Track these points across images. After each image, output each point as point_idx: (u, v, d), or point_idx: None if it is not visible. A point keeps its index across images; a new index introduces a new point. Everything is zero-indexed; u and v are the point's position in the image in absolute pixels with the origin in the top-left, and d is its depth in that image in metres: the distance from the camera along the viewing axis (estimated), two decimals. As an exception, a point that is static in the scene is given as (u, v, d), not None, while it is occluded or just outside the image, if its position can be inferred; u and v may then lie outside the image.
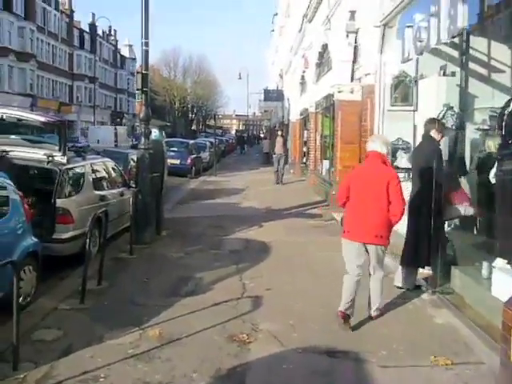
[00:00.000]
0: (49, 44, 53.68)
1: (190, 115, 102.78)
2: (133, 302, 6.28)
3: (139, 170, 9.67)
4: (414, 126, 9.17)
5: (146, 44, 9.63)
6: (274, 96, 36.70)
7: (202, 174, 26.29)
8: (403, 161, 9.03)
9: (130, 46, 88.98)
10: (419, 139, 8.91)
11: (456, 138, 7.52)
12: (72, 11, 60.06)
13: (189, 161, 24.59)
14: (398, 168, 9.06)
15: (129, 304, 6.20)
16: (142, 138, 9.70)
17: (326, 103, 15.86)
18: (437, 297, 6.33)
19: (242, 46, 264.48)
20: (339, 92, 12.46)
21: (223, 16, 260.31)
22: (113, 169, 10.75)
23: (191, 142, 27.43)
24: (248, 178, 24.11)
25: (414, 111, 9.20)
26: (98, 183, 9.36)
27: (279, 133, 23.46)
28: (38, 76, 49.79)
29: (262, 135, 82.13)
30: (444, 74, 7.38)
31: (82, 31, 63.69)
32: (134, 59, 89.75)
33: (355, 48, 12.06)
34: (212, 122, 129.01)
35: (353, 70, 12.43)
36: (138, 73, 9.51)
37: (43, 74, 51.29)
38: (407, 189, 8.83)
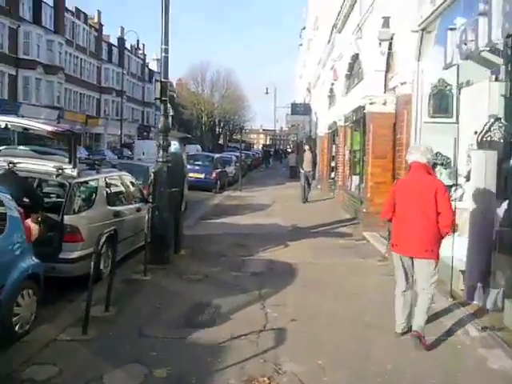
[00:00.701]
0: (77, 57, 54.00)
1: (217, 129, 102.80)
2: (141, 332, 5.60)
3: (156, 184, 9.05)
4: (455, 140, 8.37)
5: (166, 51, 9.05)
6: (301, 110, 36.08)
7: (227, 189, 25.69)
8: (442, 177, 8.22)
9: (159, 59, 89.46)
10: (462, 154, 8.15)
11: (506, 152, 6.71)
12: (101, 25, 60.49)
13: (213, 175, 24.01)
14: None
15: (136, 335, 5.52)
16: (160, 151, 9.09)
17: (356, 116, 15.12)
18: (487, 334, 5.53)
19: (270, 61, 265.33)
20: (371, 104, 11.73)
21: (252, 30, 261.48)
22: (130, 183, 10.18)
23: (216, 155, 26.90)
24: (274, 193, 23.40)
25: (454, 123, 8.41)
26: (112, 198, 8.77)
27: (307, 147, 21.65)
28: (65, 89, 50.01)
29: (289, 150, 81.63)
30: (496, 80, 6.57)
31: (110, 45, 64.13)
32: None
33: (388, 57, 11.34)
34: (239, 137, 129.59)
35: (385, 80, 11.70)
36: (156, 81, 8.92)
37: (71, 86, 51.53)
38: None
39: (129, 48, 71.37)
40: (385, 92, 11.69)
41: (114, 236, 6.82)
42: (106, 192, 8.56)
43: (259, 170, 49.00)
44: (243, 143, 55.82)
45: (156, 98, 9.01)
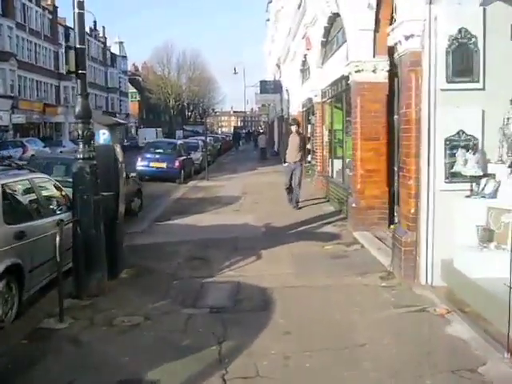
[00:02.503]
0: (30, 42, 50.48)
1: (187, 113, 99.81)
2: None
3: (76, 190, 6.59)
4: (483, 113, 6.10)
5: (81, 5, 6.54)
6: (271, 88, 33.47)
7: (193, 178, 23.27)
8: (469, 165, 5.96)
9: (121, 43, 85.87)
10: (492, 132, 5.89)
11: None
12: (55, 7, 56.89)
13: (177, 164, 21.54)
14: (461, 176, 6.03)
15: None
16: (80, 144, 6.62)
17: (336, 89, 12.77)
18: None
19: (239, 42, 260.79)
20: (357, 72, 9.38)
21: (217, 10, 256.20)
22: (54, 188, 7.74)
23: (179, 142, 24.35)
24: (244, 181, 21.02)
25: (481, 89, 6.13)
26: (14, 213, 6.30)
27: (293, 128, 13.62)
28: (19, 76, 46.63)
29: (261, 131, 79.26)
30: None
31: (67, 28, 60.42)
32: (125, 57, 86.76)
33: (378, 10, 8.98)
34: (210, 120, 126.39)
35: (375, 41, 9.35)
36: (69, 48, 6.41)
37: (25, 73, 48.11)
38: (478, 206, 5.81)
39: (88, 31, 67.67)
40: (374, 57, 9.35)
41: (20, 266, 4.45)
42: (5, 205, 6.10)
43: (229, 154, 46.54)
44: (201, 125, 53.08)
45: (69, 72, 6.49)
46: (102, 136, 7.23)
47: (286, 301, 6.17)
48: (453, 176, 6.11)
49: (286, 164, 13.39)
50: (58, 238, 5.67)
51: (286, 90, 28.51)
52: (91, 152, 6.62)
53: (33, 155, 32.11)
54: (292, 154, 13.20)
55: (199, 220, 11.94)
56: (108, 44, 79.70)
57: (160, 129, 66.25)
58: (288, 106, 28.17)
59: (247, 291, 6.62)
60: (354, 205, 9.66)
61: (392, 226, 9.49)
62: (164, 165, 21.48)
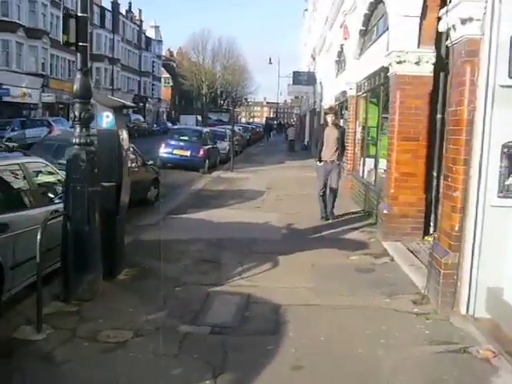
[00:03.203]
0: (65, 21, 50.13)
1: (219, 101, 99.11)
2: None
3: (69, 180, 5.78)
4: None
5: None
6: (304, 79, 32.39)
7: (219, 168, 22.47)
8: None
9: (157, 27, 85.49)
10: None
11: None
12: (92, -14, 56.47)
13: (201, 152, 20.76)
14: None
15: None
16: (77, 127, 5.81)
17: (373, 82, 11.74)
18: None
19: (275, 31, 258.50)
20: (399, 63, 8.37)
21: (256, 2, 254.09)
22: (47, 174, 6.97)
23: (205, 129, 23.51)
24: (271, 174, 20.12)
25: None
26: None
27: (330, 118, 10.90)
28: (51, 55, 46.35)
29: (293, 123, 78.13)
30: None
31: (102, 9, 60.24)
32: (161, 41, 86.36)
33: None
34: (241, 109, 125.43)
35: (420, 30, 8.33)
36: (69, 16, 5.58)
37: (57, 52, 47.76)
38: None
39: (123, 13, 67.38)
40: (418, 47, 8.33)
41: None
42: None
43: (259, 145, 45.62)
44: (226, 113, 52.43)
45: (67, 43, 5.66)
46: (106, 119, 6.41)
47: (301, 323, 5.27)
48: (508, 190, 5.12)
49: (321, 163, 10.76)
50: (38, 236, 4.88)
51: (320, 83, 27.44)
52: (89, 137, 5.81)
53: (58, 135, 31.85)
54: (328, 151, 10.66)
55: (216, 215, 11.09)
56: (144, 27, 79.37)
57: (200, 116, 65.55)
58: (321, 99, 27.11)
59: (257, 307, 5.74)
60: (385, 211, 8.69)
61: (427, 238, 8.53)
62: (188, 153, 20.73)
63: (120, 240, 6.83)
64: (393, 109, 8.66)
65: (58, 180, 7.10)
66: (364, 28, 12.73)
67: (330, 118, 10.86)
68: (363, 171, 12.80)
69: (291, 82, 37.30)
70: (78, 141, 5.74)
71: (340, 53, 18.05)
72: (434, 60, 8.26)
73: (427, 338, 4.90)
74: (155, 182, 13.15)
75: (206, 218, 10.77)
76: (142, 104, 73.63)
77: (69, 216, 5.70)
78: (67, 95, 49.01)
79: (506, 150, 5.12)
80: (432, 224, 8.72)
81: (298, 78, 33.33)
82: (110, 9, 62.50)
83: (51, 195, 6.84)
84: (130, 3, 68.89)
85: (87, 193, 5.76)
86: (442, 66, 8.35)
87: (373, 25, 12.19)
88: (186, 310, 5.59)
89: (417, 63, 8.26)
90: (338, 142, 10.67)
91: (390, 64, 8.62)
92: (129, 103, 7.85)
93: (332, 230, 9.77)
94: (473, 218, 5.24)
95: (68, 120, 41.18)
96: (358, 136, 13.95)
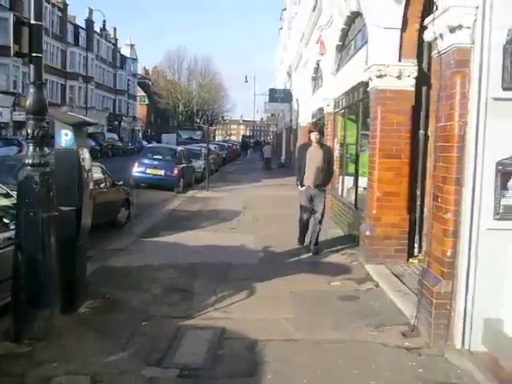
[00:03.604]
0: (38, 39, 49.31)
1: (196, 119, 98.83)
2: None
3: (19, 205, 5.20)
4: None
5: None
6: (280, 96, 32.10)
7: (194, 186, 21.92)
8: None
9: (132, 45, 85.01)
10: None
11: None
12: (66, 5, 55.99)
13: (175, 171, 20.19)
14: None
15: None
16: (30, 146, 5.24)
17: (351, 98, 11.36)
18: None
19: (250, 50, 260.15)
20: (379, 77, 7.97)
21: (230, 18, 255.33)
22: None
23: (179, 148, 22.95)
24: (247, 193, 19.61)
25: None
26: None
27: (313, 137, 9.36)
28: (23, 73, 45.40)
29: (269, 141, 77.92)
30: None
31: (76, 27, 59.59)
32: (136, 59, 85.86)
33: (407, 4, 7.60)
34: (219, 127, 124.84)
35: (401, 42, 7.95)
36: (21, 23, 5.04)
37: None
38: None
39: (98, 31, 66.80)
40: (400, 60, 7.95)
41: None
42: None
43: (235, 163, 45.17)
44: (199, 130, 50.35)
45: (19, 54, 5.12)
46: (64, 138, 5.85)
47: (281, 363, 4.72)
48: (505, 211, 4.68)
49: (304, 188, 9.27)
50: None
51: (296, 100, 27.17)
52: (44, 157, 5.24)
53: (21, 155, 30.91)
54: (312, 174, 9.14)
55: (190, 238, 10.52)
56: (119, 46, 78.84)
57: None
58: (297, 117, 26.81)
59: (232, 344, 5.18)
60: (367, 233, 8.22)
61: (411, 260, 8.09)
62: (162, 172, 20.15)
63: (81, 269, 6.23)
64: (374, 125, 8.24)
65: (14, 204, 6.49)
66: (341, 43, 12.38)
67: (313, 136, 9.25)
68: (342, 189, 12.37)
69: (267, 100, 37.02)
70: (30, 161, 5.17)
71: (316, 69, 17.74)
72: (415, 74, 7.89)
73: (422, 379, 4.39)
74: (126, 203, 12.55)
75: (178, 242, 10.19)
76: (116, 122, 72.83)
77: (20, 244, 5.10)
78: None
79: (501, 167, 4.69)
80: (416, 245, 8.30)
81: (274, 95, 33.06)
82: (84, 27, 61.86)
83: (6, 220, 6.23)
84: (105, 21, 68.35)
85: (41, 219, 5.18)
86: (424, 79, 7.99)
87: (350, 39, 11.84)
88: (152, 349, 5.01)
89: (398, 77, 7.88)
90: (324, 164, 9.15)
91: (369, 78, 8.22)
92: (90, 120, 7.26)
93: (309, 253, 9.26)
94: (467, 242, 4.78)
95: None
96: (336, 153, 13.52)
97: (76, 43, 58.58)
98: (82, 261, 6.23)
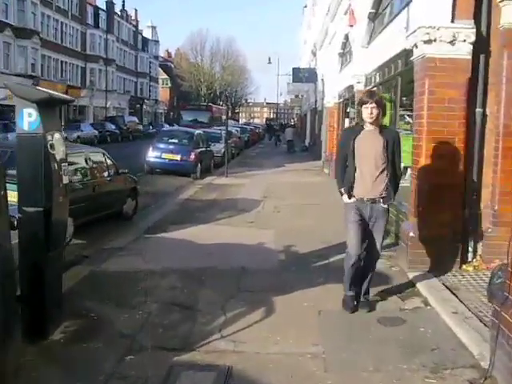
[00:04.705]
0: (57, 21, 48.32)
1: (219, 102, 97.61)
2: None
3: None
4: None
5: None
6: (305, 76, 30.36)
7: (213, 172, 20.60)
8: None
9: (154, 27, 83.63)
10: None
11: None
12: (85, -15, 54.69)
13: (192, 156, 18.87)
14: None
15: None
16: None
17: (387, 73, 9.84)
18: None
19: (274, 32, 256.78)
20: (427, 42, 6.47)
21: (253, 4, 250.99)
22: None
23: (198, 131, 21.59)
24: (268, 180, 18.23)
25: None
26: None
27: (366, 114, 5.19)
28: (42, 55, 44.52)
29: (292, 123, 76.06)
30: None
31: (96, 8, 58.37)
32: (158, 42, 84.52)
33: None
34: (241, 109, 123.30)
35: (454, 1, 6.42)
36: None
37: (49, 53, 46.05)
38: None
39: (118, 13, 65.53)
40: (453, 21, 6.43)
41: None
42: None
43: (258, 147, 43.78)
44: (205, 111, 45.00)
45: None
46: (27, 119, 4.51)
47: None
48: None
49: (352, 200, 5.42)
50: None
51: (321, 80, 25.55)
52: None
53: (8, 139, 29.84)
54: (368, 177, 5.29)
55: (201, 234, 9.21)
56: (140, 28, 77.54)
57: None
58: (322, 97, 25.22)
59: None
60: (411, 233, 6.77)
61: (465, 267, 6.65)
62: (178, 157, 18.84)
63: (54, 285, 4.93)
64: (419, 102, 6.75)
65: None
66: (374, 10, 10.86)
67: (367, 113, 5.19)
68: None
69: (291, 81, 35.38)
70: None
71: (344, 44, 16.17)
72: (473, 38, 6.37)
73: None
74: (133, 193, 11.26)
75: (188, 238, 8.87)
76: (138, 106, 71.76)
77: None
78: (58, 97, 47.12)
79: None
80: (471, 249, 6.82)
81: (298, 75, 31.33)
82: (104, 8, 60.64)
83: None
84: (124, 2, 66.96)
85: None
86: (482, 45, 6.48)
87: (385, 5, 10.30)
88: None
89: (451, 42, 6.37)
90: (386, 159, 5.27)
91: (414, 45, 6.72)
92: (61, 95, 5.87)
93: (343, 255, 7.83)
94: None
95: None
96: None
97: (96, 25, 57.36)
98: (54, 275, 4.92)
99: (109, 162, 10.42)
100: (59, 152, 4.82)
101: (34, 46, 42.51)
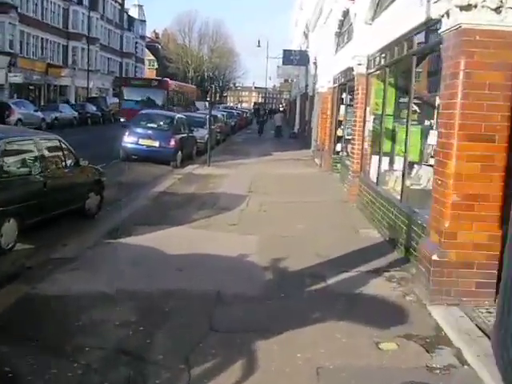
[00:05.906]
0: (36, -5, 46.01)
1: (206, 85, 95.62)
2: None
3: None
4: None
5: None
6: (296, 58, 28.61)
7: (195, 160, 19.00)
8: None
9: (140, 6, 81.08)
10: None
11: None
12: (68, -42, 52.22)
13: (172, 143, 17.25)
14: None
15: None
16: None
17: (396, 53, 8.30)
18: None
19: (263, 14, 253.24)
20: (465, 9, 4.93)
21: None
22: None
23: (178, 115, 19.91)
24: (255, 170, 16.72)
25: None
26: None
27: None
28: (20, 31, 42.28)
29: (281, 109, 74.10)
30: None
31: (79, -16, 55.88)
32: (144, 21, 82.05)
33: None
34: (229, 93, 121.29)
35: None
36: None
37: (28, 29, 43.77)
38: None
39: (102, -11, 63.00)
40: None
41: None
42: None
43: (245, 132, 42.14)
44: (157, 89, 31.07)
45: None
46: None
47: None
48: None
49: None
50: None
51: (314, 63, 23.92)
52: None
53: (19, 119, 28.12)
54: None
55: (172, 241, 7.70)
56: (126, 6, 74.99)
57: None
58: (314, 82, 23.63)
59: None
60: (435, 256, 5.27)
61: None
62: (156, 143, 17.19)
63: None
64: (450, 88, 5.23)
65: None
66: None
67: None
68: (378, 176, 9.38)
69: (281, 64, 33.70)
70: None
71: (342, 22, 14.57)
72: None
73: None
74: (96, 187, 9.67)
75: (156, 246, 7.34)
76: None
77: None
78: (38, 75, 45.08)
79: None
80: None
81: (289, 57, 29.57)
82: (87, -16, 58.21)
83: None
84: (109, -22, 64.46)
85: None
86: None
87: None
88: None
89: (496, 10, 4.85)
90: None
91: (445, 13, 5.18)
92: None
93: (344, 275, 6.35)
94: None
95: (34, 102, 37.49)
96: (369, 127, 10.54)
97: (79, 1, 54.93)
98: None
99: (65, 151, 8.82)
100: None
101: (11, 21, 40.28)
